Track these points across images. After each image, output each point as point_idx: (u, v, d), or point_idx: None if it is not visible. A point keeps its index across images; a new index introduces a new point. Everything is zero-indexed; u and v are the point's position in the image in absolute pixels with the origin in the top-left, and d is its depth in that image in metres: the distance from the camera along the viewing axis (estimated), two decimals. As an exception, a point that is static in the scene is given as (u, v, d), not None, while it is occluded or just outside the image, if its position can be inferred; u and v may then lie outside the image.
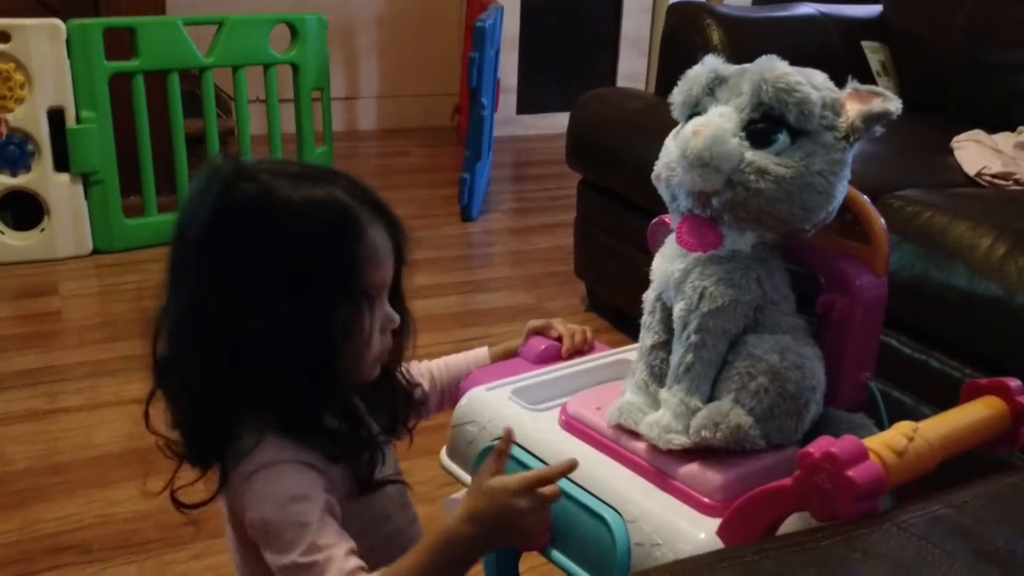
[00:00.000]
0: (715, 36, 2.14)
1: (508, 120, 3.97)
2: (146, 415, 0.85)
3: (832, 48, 2.29)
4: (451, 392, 1.02)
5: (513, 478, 0.78)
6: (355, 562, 0.77)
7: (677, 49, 2.21)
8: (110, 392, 1.87)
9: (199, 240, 0.80)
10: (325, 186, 0.81)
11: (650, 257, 0.89)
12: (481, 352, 1.05)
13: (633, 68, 4.20)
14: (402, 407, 0.94)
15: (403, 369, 0.94)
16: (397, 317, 0.85)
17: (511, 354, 1.04)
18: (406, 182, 3.31)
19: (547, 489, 0.78)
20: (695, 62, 0.86)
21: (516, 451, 0.86)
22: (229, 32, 2.62)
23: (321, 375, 0.81)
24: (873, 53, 2.34)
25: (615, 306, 2.24)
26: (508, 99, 3.97)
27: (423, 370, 1.02)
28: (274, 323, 0.78)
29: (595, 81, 2.52)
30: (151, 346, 0.84)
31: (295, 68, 2.77)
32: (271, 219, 0.79)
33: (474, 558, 0.80)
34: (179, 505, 0.86)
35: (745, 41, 2.12)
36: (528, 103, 4.07)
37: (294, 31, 2.75)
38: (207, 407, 0.81)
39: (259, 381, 0.79)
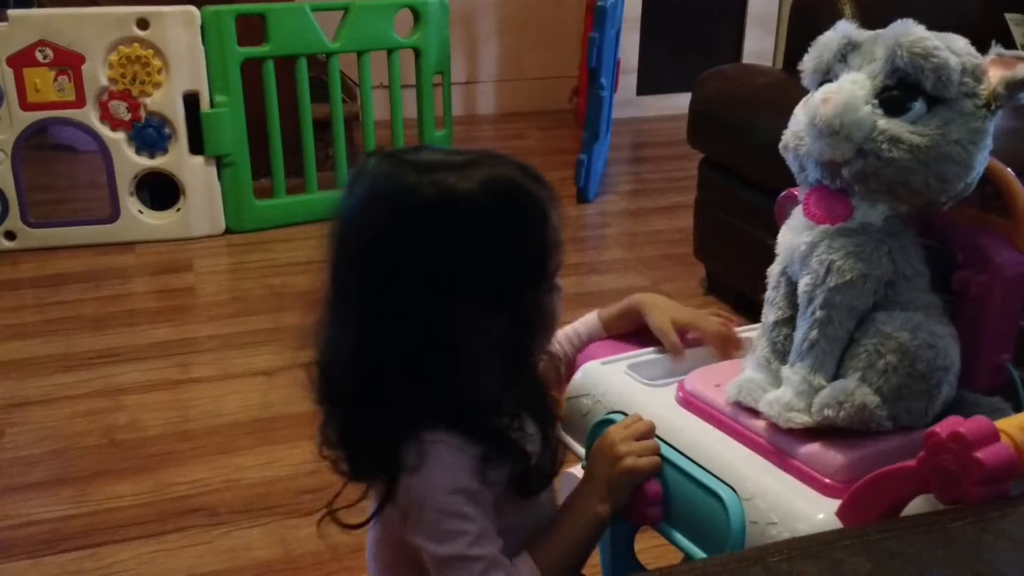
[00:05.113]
0: (847, 10, 2.05)
1: (628, 101, 3.92)
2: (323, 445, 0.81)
3: (972, 21, 2.16)
4: (568, 364, 0.98)
5: (611, 429, 0.83)
6: (508, 563, 0.77)
7: (807, 24, 2.13)
8: (239, 364, 1.95)
9: (380, 246, 0.74)
10: (496, 169, 0.76)
11: (775, 236, 0.86)
12: (591, 318, 1.00)
13: (759, 46, 4.08)
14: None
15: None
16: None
17: (624, 318, 1.00)
18: (524, 165, 3.31)
19: (641, 425, 0.82)
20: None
21: None
22: (354, 17, 2.68)
23: (520, 372, 0.79)
24: (1017, 26, 2.20)
25: (736, 288, 2.18)
26: (628, 80, 3.92)
27: None
28: (475, 327, 0.74)
29: (719, 60, 2.46)
30: (317, 361, 0.79)
31: (417, 52, 2.81)
32: (455, 217, 0.73)
33: (605, 522, 0.82)
34: (340, 524, 0.83)
35: (878, 14, 2.02)
36: (649, 84, 4.01)
37: (416, 15, 2.79)
38: (384, 415, 0.77)
39: (443, 387, 0.75)
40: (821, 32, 0.83)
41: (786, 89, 2.08)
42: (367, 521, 0.80)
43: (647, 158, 3.57)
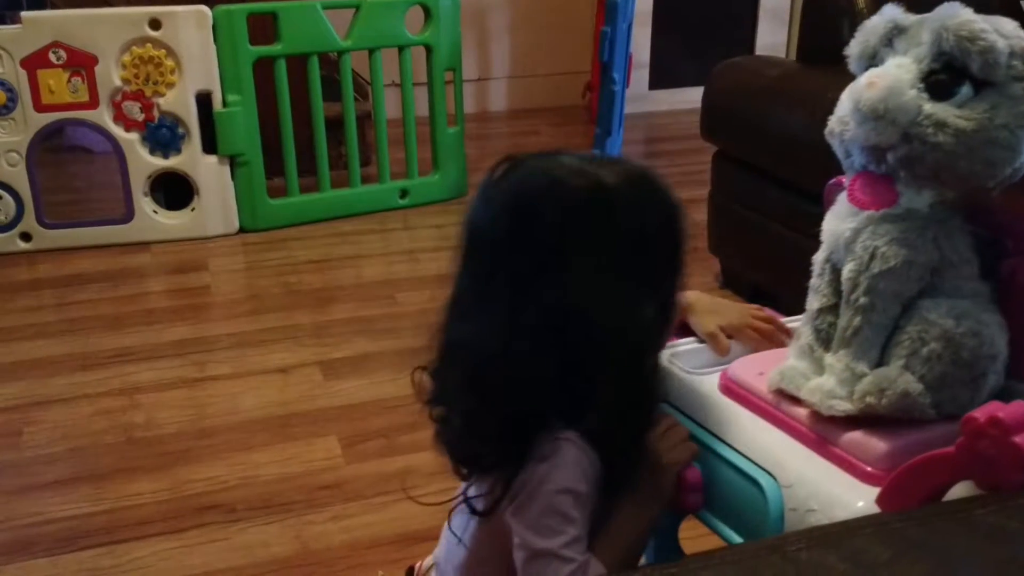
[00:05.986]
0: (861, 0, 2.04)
1: (640, 96, 3.91)
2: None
3: (989, 7, 2.14)
4: None
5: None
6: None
7: (820, 14, 2.11)
8: (255, 361, 1.95)
9: (536, 236, 0.77)
10: (632, 165, 0.80)
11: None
12: None
13: (773, 40, 4.07)
14: None
15: None
16: None
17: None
18: (537, 161, 3.30)
19: (669, 422, 0.85)
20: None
21: (672, 414, 0.88)
22: (366, 15, 2.68)
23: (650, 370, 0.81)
24: (1036, 13, 2.18)
25: (752, 281, 2.17)
26: (640, 75, 3.91)
27: None
28: (624, 313, 0.76)
29: (731, 54, 2.44)
30: (455, 357, 0.81)
31: (428, 49, 2.80)
32: (607, 206, 0.77)
33: (656, 517, 0.84)
34: (474, 512, 0.84)
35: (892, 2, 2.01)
36: (661, 78, 4.00)
37: (428, 12, 2.78)
38: (531, 405, 0.78)
39: (588, 377, 0.77)
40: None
41: (800, 81, 2.06)
42: (492, 510, 0.80)
43: (660, 152, 3.56)
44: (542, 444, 0.78)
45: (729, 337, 0.95)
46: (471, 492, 0.85)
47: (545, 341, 0.76)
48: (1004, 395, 0.76)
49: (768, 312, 0.99)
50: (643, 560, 0.90)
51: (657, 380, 0.83)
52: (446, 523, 0.91)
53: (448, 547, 0.91)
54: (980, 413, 0.60)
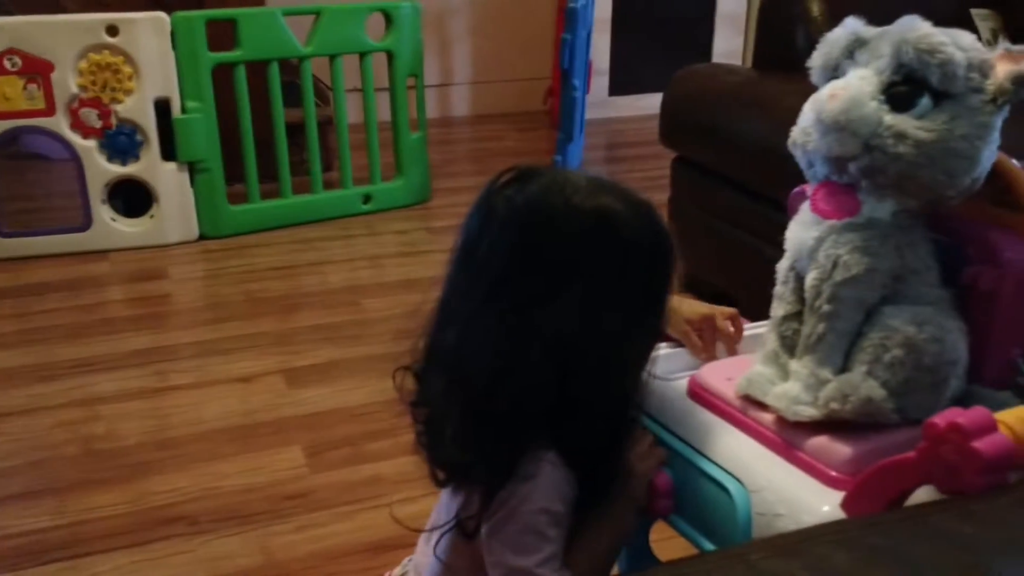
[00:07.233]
0: (815, 8, 2.07)
1: (600, 102, 3.94)
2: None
3: (940, 16, 2.18)
4: None
5: None
6: None
7: (775, 22, 2.15)
8: (218, 370, 1.93)
9: (544, 255, 0.77)
10: (625, 189, 0.80)
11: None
12: None
13: (729, 46, 4.12)
14: None
15: None
16: None
17: None
18: (499, 166, 3.25)
19: (642, 436, 0.85)
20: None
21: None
22: (326, 21, 2.67)
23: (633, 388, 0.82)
24: (983, 21, 2.23)
25: (712, 285, 2.20)
26: (600, 81, 3.94)
27: None
28: (619, 333, 0.77)
29: (689, 60, 2.46)
30: (445, 366, 0.81)
31: (390, 55, 2.80)
32: (613, 232, 0.77)
33: (630, 526, 0.86)
34: (465, 534, 0.83)
35: (847, 11, 2.05)
36: (621, 84, 4.03)
37: (389, 18, 2.78)
38: (518, 426, 0.78)
39: (577, 396, 0.77)
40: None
41: (757, 88, 2.09)
42: (476, 528, 0.80)
43: (622, 158, 3.59)
44: (525, 463, 0.78)
45: (699, 333, 0.96)
46: (445, 499, 0.85)
47: (538, 359, 0.76)
48: (965, 400, 0.78)
49: (732, 310, 0.99)
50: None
51: (640, 399, 0.83)
52: (422, 536, 0.92)
53: (432, 565, 0.90)
54: (941, 419, 0.61)
